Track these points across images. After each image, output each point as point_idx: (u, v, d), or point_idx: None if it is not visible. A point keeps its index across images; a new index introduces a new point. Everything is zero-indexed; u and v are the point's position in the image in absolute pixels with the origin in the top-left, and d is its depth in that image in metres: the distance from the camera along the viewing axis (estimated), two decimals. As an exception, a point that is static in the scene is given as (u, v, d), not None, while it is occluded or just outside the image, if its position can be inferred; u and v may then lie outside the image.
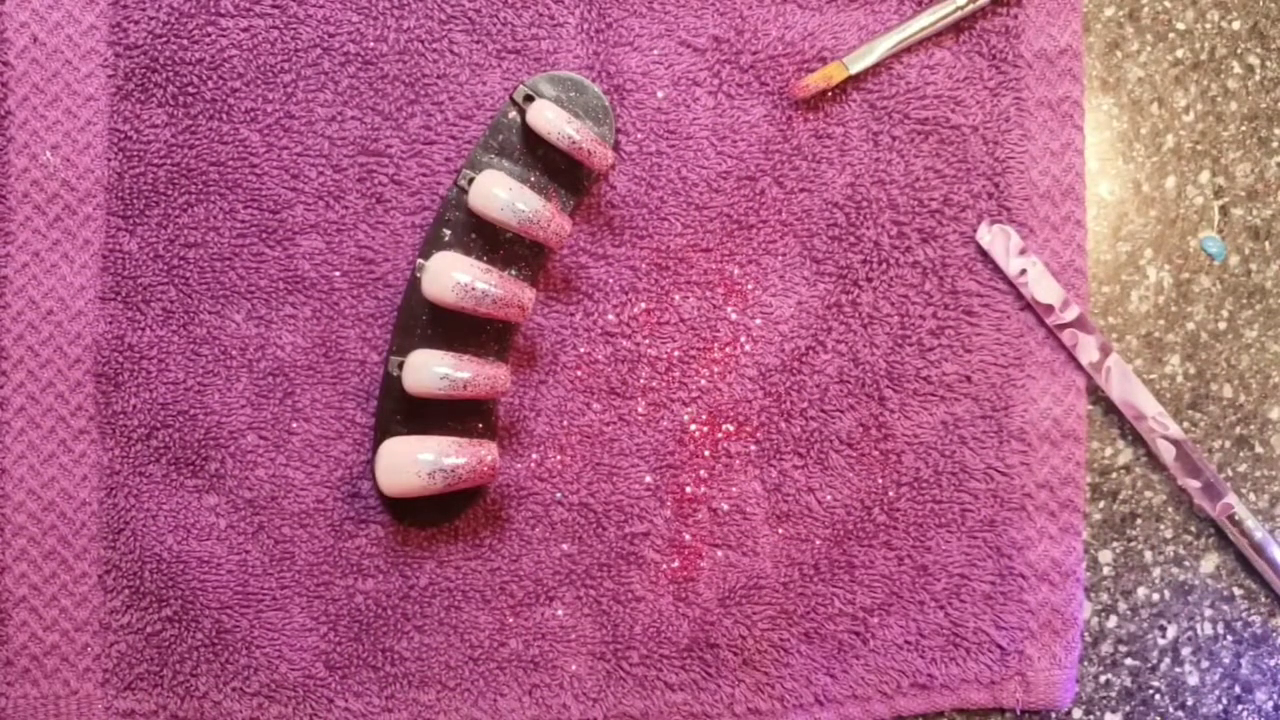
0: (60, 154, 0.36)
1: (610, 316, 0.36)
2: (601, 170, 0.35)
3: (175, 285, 0.36)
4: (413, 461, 0.32)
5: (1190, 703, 0.36)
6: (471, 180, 0.33)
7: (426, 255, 0.33)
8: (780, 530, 0.36)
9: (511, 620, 0.35)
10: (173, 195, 0.36)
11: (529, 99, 0.34)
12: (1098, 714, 0.36)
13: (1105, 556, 0.37)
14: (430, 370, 0.32)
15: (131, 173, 0.36)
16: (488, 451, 0.33)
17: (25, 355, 0.35)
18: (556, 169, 0.35)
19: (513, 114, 0.35)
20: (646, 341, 0.36)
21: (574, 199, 0.36)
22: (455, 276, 0.32)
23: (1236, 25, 0.38)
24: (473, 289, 0.32)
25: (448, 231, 0.35)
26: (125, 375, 0.35)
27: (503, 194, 0.33)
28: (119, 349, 0.35)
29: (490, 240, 0.35)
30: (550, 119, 0.33)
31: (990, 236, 0.36)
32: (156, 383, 0.35)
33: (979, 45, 0.37)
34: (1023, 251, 0.36)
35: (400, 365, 0.33)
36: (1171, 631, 0.36)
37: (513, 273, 0.35)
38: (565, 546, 0.36)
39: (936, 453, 0.36)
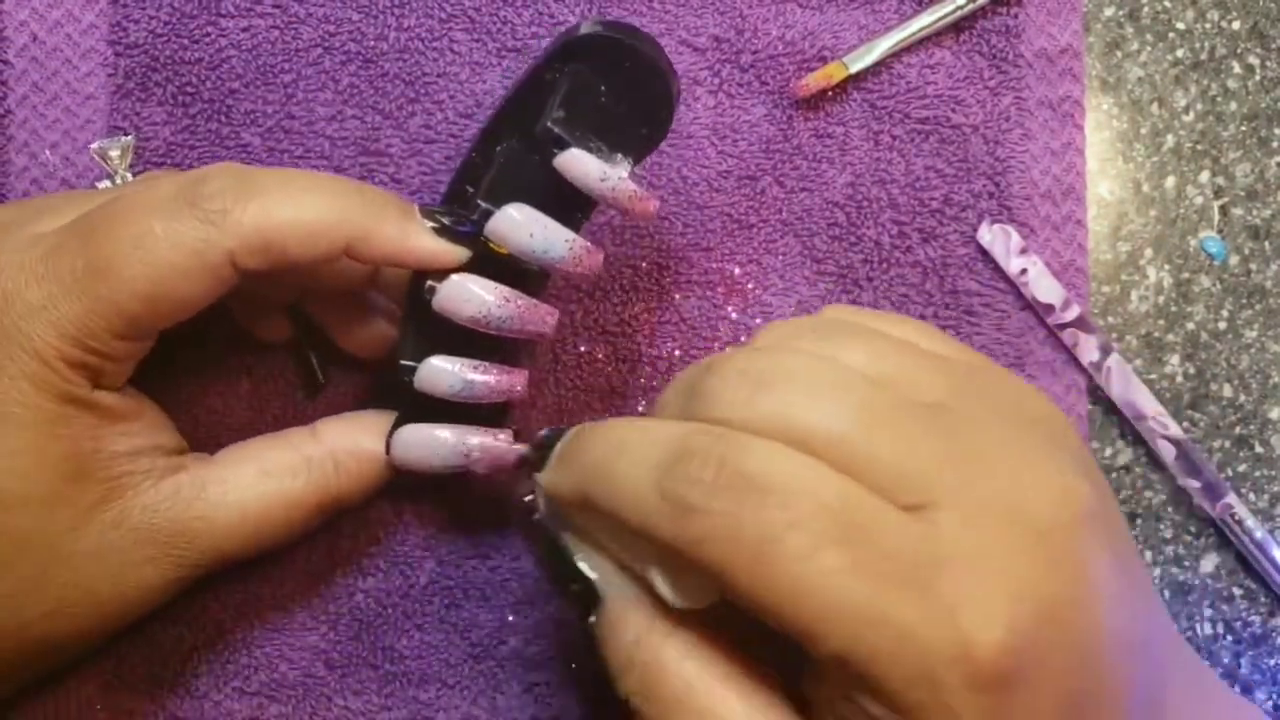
0: (60, 153, 0.36)
1: (610, 316, 0.36)
2: (644, 220, 0.32)
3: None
4: (432, 439, 0.31)
5: (1191, 702, 0.36)
6: (489, 214, 0.30)
7: None
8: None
9: (512, 618, 0.35)
10: (173, 194, 0.36)
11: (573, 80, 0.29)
12: (1098, 714, 0.36)
13: (1105, 556, 0.37)
14: (446, 374, 0.31)
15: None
16: (505, 435, 0.32)
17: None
18: (610, 128, 0.30)
19: (548, 76, 0.30)
20: (646, 341, 0.36)
21: (632, 157, 0.31)
22: (468, 309, 0.30)
23: (1236, 25, 0.38)
24: (489, 317, 0.30)
25: None
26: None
27: (527, 235, 0.30)
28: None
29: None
30: (588, 168, 0.30)
31: (991, 236, 0.36)
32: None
33: (979, 45, 0.37)
34: (1023, 251, 0.36)
35: (412, 372, 0.31)
36: (1172, 631, 0.36)
37: (531, 267, 0.32)
38: (565, 546, 0.36)
39: (937, 452, 0.36)
